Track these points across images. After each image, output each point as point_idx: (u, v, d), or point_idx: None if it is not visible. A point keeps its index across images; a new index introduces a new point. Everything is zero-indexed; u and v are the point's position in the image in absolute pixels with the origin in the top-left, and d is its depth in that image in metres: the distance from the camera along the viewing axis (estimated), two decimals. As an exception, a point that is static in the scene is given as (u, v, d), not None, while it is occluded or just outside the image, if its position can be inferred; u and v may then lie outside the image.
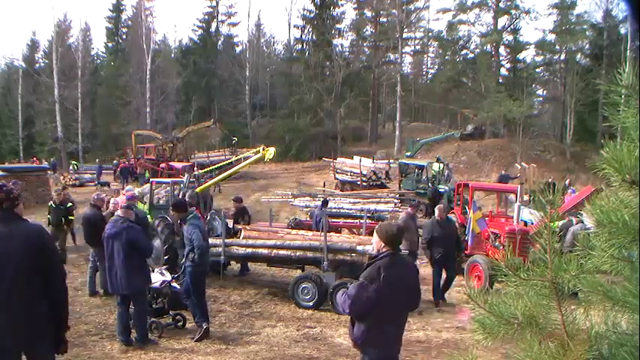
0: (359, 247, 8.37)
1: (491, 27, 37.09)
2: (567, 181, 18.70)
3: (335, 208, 14.35)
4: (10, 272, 3.27)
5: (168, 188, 13.34)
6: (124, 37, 49.86)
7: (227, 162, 22.53)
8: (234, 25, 49.30)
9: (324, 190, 21.37)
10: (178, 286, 6.89)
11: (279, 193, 18.87)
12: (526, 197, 14.82)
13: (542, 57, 39.07)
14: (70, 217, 11.05)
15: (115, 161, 28.69)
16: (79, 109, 40.56)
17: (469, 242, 10.22)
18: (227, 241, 9.11)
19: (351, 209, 14.25)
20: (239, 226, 10.35)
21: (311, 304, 8.18)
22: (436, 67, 51.22)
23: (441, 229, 8.61)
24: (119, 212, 6.48)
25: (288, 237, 9.35)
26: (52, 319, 3.43)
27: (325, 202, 12.85)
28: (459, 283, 9.49)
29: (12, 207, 3.41)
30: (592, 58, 35.22)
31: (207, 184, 13.64)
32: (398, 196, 18.30)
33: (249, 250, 9.01)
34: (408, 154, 28.46)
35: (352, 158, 25.62)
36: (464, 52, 40.69)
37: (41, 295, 3.37)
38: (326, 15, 40.23)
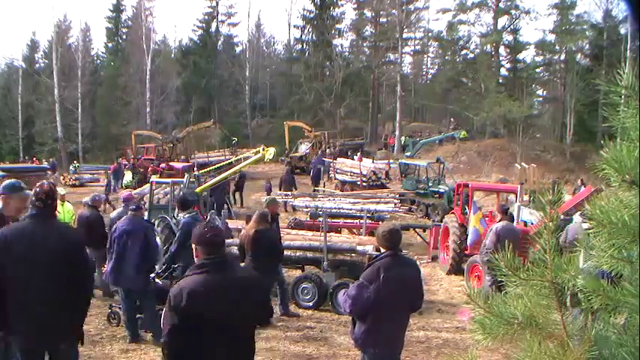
0: (359, 247, 8.38)
1: (491, 27, 37.03)
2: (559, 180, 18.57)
3: (335, 208, 14.32)
4: (45, 270, 3.28)
5: (167, 188, 13.35)
6: (124, 37, 49.75)
7: (227, 162, 22.52)
8: (234, 25, 49.27)
9: (324, 191, 21.35)
10: (161, 282, 7.05)
11: (280, 193, 18.83)
12: (526, 197, 14.80)
13: (542, 57, 39.01)
14: None
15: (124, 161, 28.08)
16: (79, 109, 40.53)
17: (469, 242, 10.23)
18: (227, 241, 9.11)
19: (351, 209, 14.21)
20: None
21: (311, 304, 8.18)
22: (436, 67, 51.21)
23: None
24: (131, 212, 6.58)
25: (288, 237, 9.34)
26: (75, 317, 3.49)
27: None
28: (459, 283, 9.49)
29: (51, 205, 3.48)
30: (592, 58, 35.19)
31: (207, 185, 13.63)
32: (398, 195, 18.27)
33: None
34: (408, 154, 28.47)
35: (352, 158, 25.60)
36: (464, 52, 40.65)
37: (70, 295, 3.40)
38: (326, 15, 40.24)
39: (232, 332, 2.82)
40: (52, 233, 3.40)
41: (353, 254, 8.43)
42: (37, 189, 3.44)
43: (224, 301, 2.77)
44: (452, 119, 37.38)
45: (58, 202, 9.40)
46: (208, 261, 2.85)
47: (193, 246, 2.96)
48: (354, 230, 12.31)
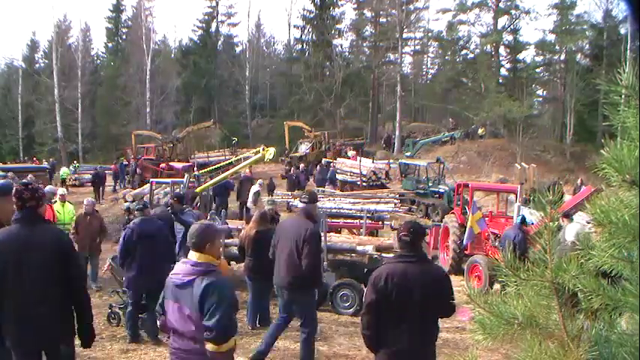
0: (359, 247, 8.37)
1: (491, 27, 37.03)
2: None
3: (335, 208, 14.30)
4: (32, 274, 3.25)
5: (167, 188, 13.36)
6: (124, 37, 49.74)
7: (227, 162, 22.52)
8: (234, 25, 49.33)
9: (324, 191, 21.32)
10: None
11: (280, 193, 18.83)
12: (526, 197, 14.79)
13: (542, 57, 39.01)
14: None
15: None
16: (79, 109, 40.52)
17: (467, 242, 10.24)
18: (227, 241, 9.10)
19: (351, 209, 14.19)
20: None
21: (311, 304, 8.16)
22: (436, 67, 51.21)
23: None
24: (139, 214, 6.55)
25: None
26: (78, 318, 3.47)
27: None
28: (459, 283, 9.47)
29: (36, 207, 3.37)
30: (592, 58, 35.20)
31: (207, 184, 13.65)
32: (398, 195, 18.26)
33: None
34: (408, 154, 28.46)
35: (347, 156, 25.59)
36: (464, 52, 40.66)
37: (63, 297, 3.38)
38: (326, 15, 40.25)
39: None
40: (38, 234, 3.31)
41: (353, 254, 8.42)
42: (17, 189, 3.34)
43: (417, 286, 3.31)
44: (450, 119, 37.41)
45: (59, 202, 9.40)
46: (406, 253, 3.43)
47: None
48: (354, 230, 12.30)
